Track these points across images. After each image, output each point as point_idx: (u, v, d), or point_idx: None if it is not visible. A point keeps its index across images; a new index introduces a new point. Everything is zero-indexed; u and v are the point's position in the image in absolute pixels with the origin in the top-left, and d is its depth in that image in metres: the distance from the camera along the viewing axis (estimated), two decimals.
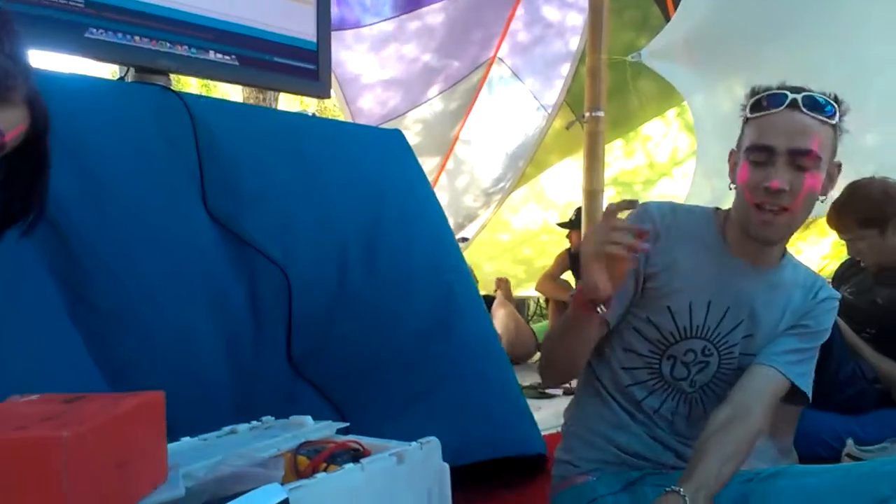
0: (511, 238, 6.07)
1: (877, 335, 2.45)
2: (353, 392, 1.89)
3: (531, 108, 5.50)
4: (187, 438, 1.15)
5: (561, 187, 5.89)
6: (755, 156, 1.33)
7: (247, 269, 1.78)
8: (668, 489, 1.17)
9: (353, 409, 1.82)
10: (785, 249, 1.47)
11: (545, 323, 5.60)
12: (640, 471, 1.46)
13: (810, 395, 1.45)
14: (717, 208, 1.50)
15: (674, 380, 1.47)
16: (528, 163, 5.59)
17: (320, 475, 0.93)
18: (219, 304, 1.70)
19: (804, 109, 1.31)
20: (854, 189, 2.52)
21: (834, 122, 1.33)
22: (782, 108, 1.32)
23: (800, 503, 1.39)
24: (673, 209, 1.47)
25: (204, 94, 8.04)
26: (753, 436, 1.31)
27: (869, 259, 2.54)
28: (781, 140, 1.30)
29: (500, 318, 4.64)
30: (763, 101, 1.34)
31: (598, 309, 1.24)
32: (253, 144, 1.90)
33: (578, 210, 4.43)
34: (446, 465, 1.13)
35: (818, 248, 5.19)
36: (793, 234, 1.39)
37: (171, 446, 1.09)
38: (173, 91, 1.84)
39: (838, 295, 1.51)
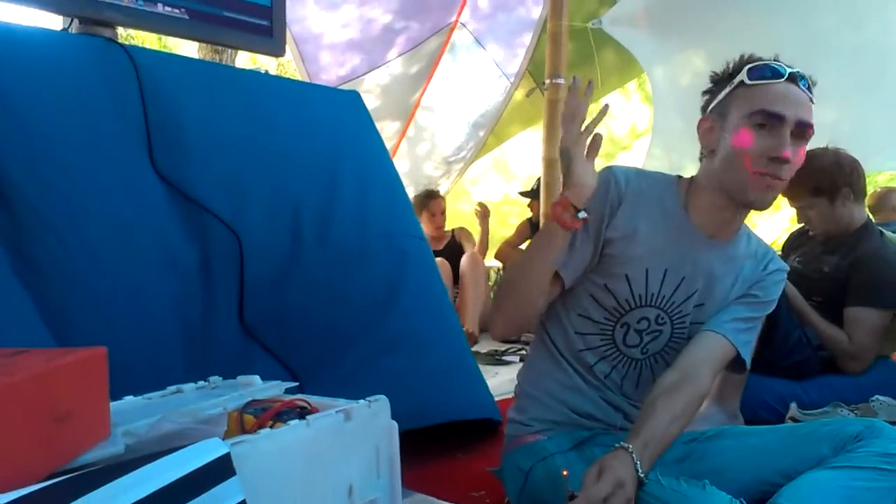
0: (472, 208, 6.06)
1: (823, 303, 2.51)
2: (307, 357, 1.87)
3: (493, 77, 5.45)
4: (130, 397, 1.12)
5: (522, 158, 5.88)
6: (763, 122, 1.32)
7: (198, 230, 1.74)
8: (616, 445, 1.18)
9: (307, 374, 1.80)
10: (742, 221, 1.48)
11: None
12: (590, 431, 1.48)
13: (749, 365, 1.49)
14: (680, 176, 1.51)
15: (626, 347, 1.48)
16: (489, 132, 5.56)
17: (264, 431, 0.91)
18: (169, 265, 1.67)
19: (800, 84, 1.33)
20: (806, 158, 2.55)
21: (813, 100, 1.36)
22: (783, 79, 1.33)
23: (742, 461, 1.42)
24: (637, 174, 1.48)
25: None
26: (699, 398, 1.34)
27: (818, 228, 2.59)
28: (792, 110, 1.31)
29: (480, 286, 4.53)
30: (766, 70, 1.34)
31: (580, 215, 1.28)
32: (202, 101, 1.85)
33: (539, 180, 4.43)
34: (394, 423, 1.12)
35: (776, 220, 5.28)
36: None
37: (114, 405, 1.06)
38: (118, 43, 1.78)
39: (787, 267, 1.54)
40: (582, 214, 1.29)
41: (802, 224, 2.71)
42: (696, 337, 1.44)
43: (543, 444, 1.47)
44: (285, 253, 1.88)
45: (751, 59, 1.38)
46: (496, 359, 3.61)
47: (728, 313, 1.46)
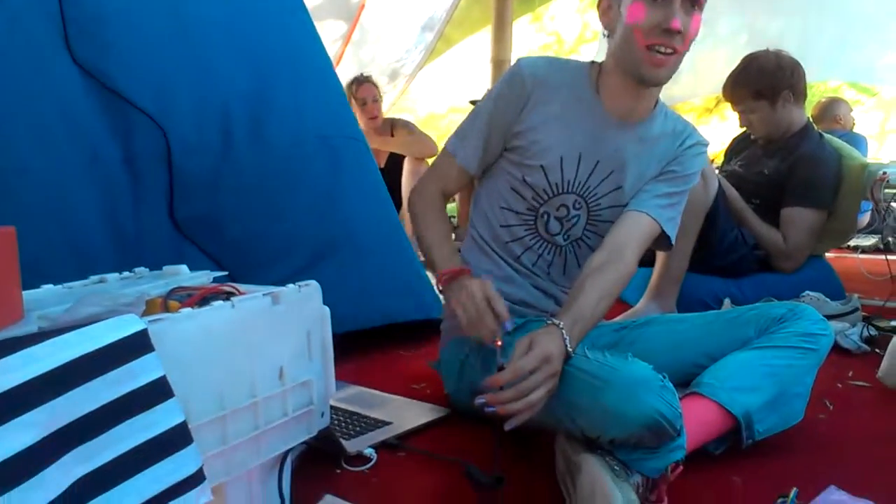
0: (416, 120, 5.96)
1: (762, 205, 2.56)
2: (243, 260, 1.84)
3: None
4: (49, 286, 1.08)
5: (469, 64, 5.75)
6: None
7: (120, 124, 1.66)
8: (547, 322, 1.20)
9: (243, 279, 1.77)
10: (657, 100, 1.48)
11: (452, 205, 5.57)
12: (523, 317, 1.50)
13: (673, 241, 1.50)
14: (593, 61, 1.49)
15: (549, 234, 1.50)
16: (438, 36, 5.40)
17: (185, 310, 0.89)
18: (91, 159, 1.59)
19: None
20: (748, 61, 2.56)
21: None
22: None
23: (670, 345, 1.47)
24: (547, 63, 1.46)
25: None
26: (626, 276, 1.36)
27: (759, 131, 2.62)
28: None
29: None
30: None
31: None
32: None
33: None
34: (326, 309, 1.11)
35: (729, 126, 5.32)
36: (674, 72, 1.37)
37: (31, 292, 1.03)
38: None
39: (706, 141, 1.54)
40: None
41: (744, 128, 2.73)
42: (621, 217, 1.45)
43: None
44: (216, 151, 1.81)
45: None
46: None
47: (650, 192, 1.47)
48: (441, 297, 1.41)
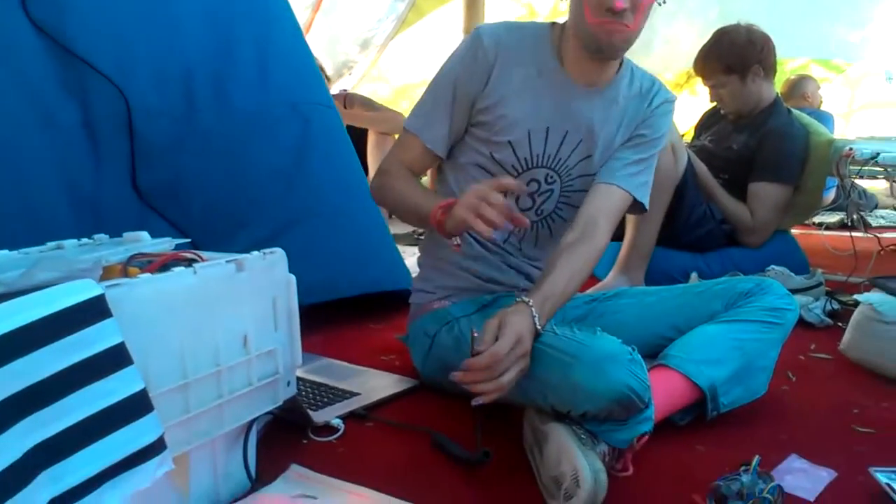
0: (391, 90, 5.89)
1: (730, 180, 2.58)
2: (208, 229, 1.79)
3: None
4: (5, 251, 1.04)
5: (441, 34, 5.67)
6: None
7: (77, 86, 1.60)
8: (517, 299, 1.19)
9: (209, 246, 1.74)
10: (622, 59, 1.43)
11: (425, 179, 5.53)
12: (493, 294, 1.49)
13: (647, 205, 1.48)
14: (554, 23, 1.44)
15: (520, 211, 1.46)
16: (409, 6, 5.32)
17: (144, 275, 0.86)
18: (46, 122, 1.54)
19: None
20: (719, 35, 2.56)
21: None
22: None
23: (639, 317, 1.48)
24: (506, 29, 1.41)
25: None
26: (597, 253, 1.35)
27: (729, 106, 2.63)
28: None
29: None
30: None
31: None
32: None
33: None
34: (292, 277, 1.09)
35: (698, 102, 5.33)
36: (632, 44, 1.34)
37: None
38: None
39: (674, 97, 1.51)
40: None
41: (715, 103, 2.74)
42: (592, 191, 1.42)
43: (448, 310, 1.47)
44: (179, 116, 1.76)
45: None
46: (415, 238, 3.60)
47: (619, 160, 1.44)
48: (446, 239, 1.31)
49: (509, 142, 1.40)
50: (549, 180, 1.45)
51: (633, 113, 1.45)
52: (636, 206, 1.47)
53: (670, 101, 1.48)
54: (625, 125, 1.44)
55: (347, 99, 4.06)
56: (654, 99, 1.46)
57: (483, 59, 1.37)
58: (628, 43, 1.31)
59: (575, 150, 1.43)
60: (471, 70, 1.39)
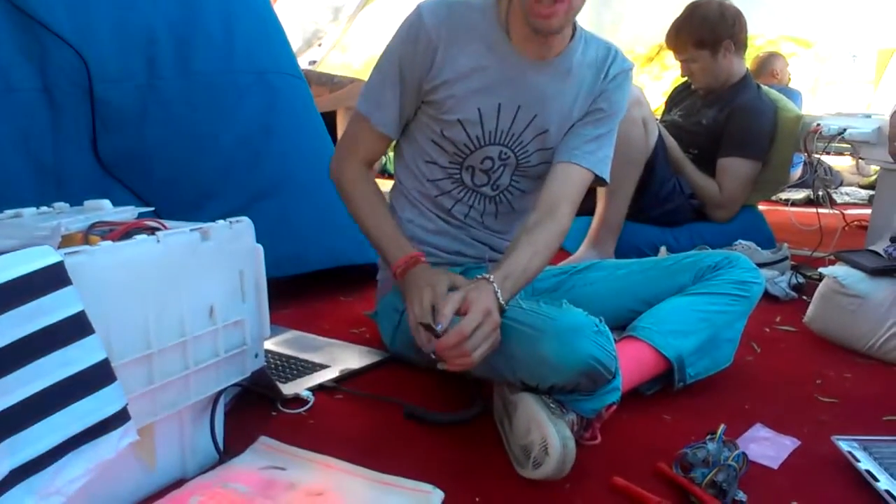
0: (361, 62, 5.80)
1: (699, 155, 2.59)
2: (174, 199, 1.75)
3: None
4: None
5: (413, 4, 5.61)
6: None
7: (34, 50, 1.54)
8: (478, 276, 1.18)
9: (174, 216, 1.71)
10: (575, 28, 1.38)
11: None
12: (461, 266, 1.48)
13: (608, 179, 1.45)
14: None
15: (476, 186, 1.45)
16: None
17: (105, 243, 0.84)
18: (4, 86, 1.49)
19: None
20: (692, 9, 2.55)
21: None
22: None
23: (608, 290, 1.49)
24: (448, 7, 1.34)
25: None
26: (560, 233, 1.33)
27: (700, 81, 2.63)
28: None
29: None
30: None
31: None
32: None
33: None
34: (260, 247, 1.07)
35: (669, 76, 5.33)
36: (574, 17, 1.31)
37: None
38: None
39: (631, 65, 1.46)
40: None
41: (685, 78, 2.75)
42: (552, 172, 1.39)
43: None
44: (141, 83, 1.71)
45: None
46: None
47: (577, 138, 1.41)
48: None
49: (458, 120, 1.37)
50: (503, 157, 1.42)
51: (590, 83, 1.40)
52: (598, 180, 1.44)
53: (627, 70, 1.44)
54: (582, 96, 1.40)
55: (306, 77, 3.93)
56: (610, 69, 1.41)
57: (426, 40, 1.32)
58: (567, 19, 1.27)
59: (529, 126, 1.39)
60: (413, 52, 1.34)
